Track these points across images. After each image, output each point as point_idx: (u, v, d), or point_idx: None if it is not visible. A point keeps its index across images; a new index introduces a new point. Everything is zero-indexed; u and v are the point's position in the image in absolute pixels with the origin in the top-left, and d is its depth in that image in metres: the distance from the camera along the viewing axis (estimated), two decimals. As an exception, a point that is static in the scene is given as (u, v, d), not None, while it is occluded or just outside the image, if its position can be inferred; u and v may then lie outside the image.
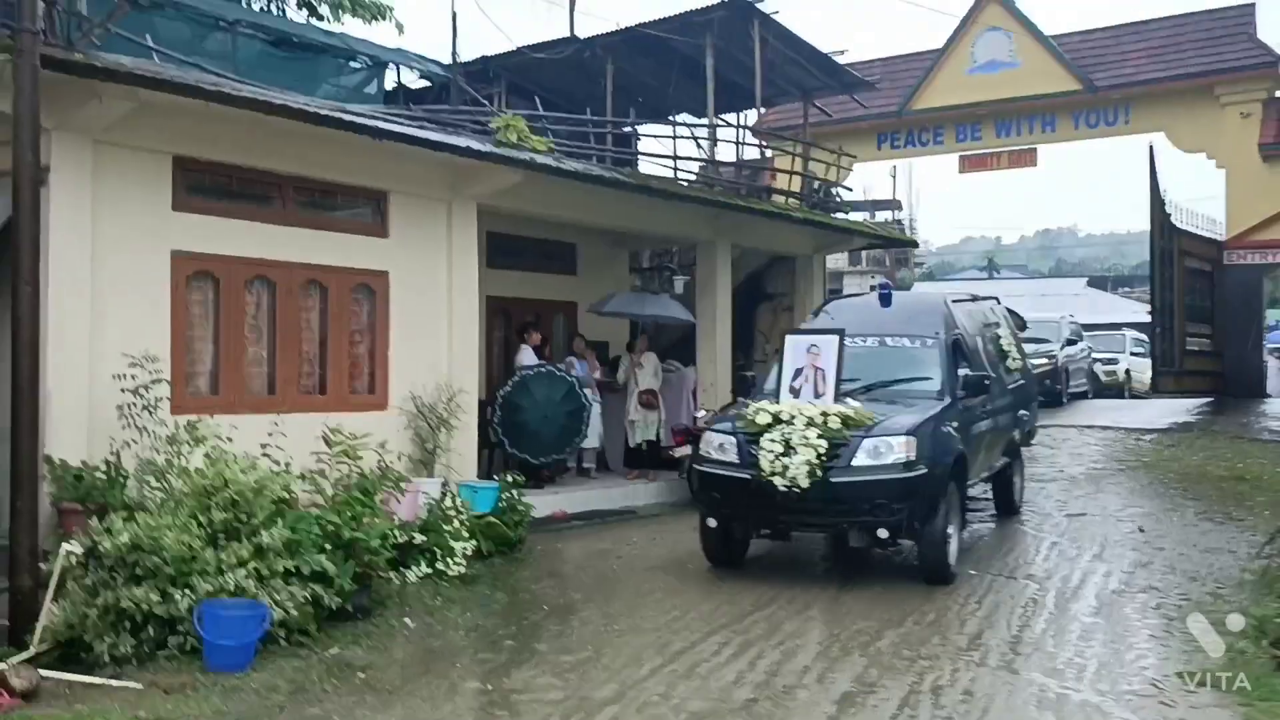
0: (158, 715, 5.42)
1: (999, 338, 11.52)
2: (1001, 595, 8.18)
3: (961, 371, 9.56)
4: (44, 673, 5.94)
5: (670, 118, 17.84)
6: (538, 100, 14.54)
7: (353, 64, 14.71)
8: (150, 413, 7.83)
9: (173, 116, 8.18)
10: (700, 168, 15.73)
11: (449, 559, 8.55)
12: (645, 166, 15.25)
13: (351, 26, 16.75)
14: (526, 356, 12.35)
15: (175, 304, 8.60)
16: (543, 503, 10.98)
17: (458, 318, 10.85)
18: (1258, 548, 8.94)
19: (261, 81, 10.39)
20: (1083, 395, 23.71)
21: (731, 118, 17.97)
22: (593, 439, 12.91)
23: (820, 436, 8.15)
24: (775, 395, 8.87)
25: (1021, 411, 11.54)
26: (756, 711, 5.63)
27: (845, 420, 8.30)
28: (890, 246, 25.32)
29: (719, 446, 8.81)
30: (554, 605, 8.03)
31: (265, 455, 7.80)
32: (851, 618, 7.48)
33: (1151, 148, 20.10)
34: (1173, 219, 20.51)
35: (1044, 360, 21.13)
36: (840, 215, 17.94)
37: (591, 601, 8.18)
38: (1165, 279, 20.26)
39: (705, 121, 15.64)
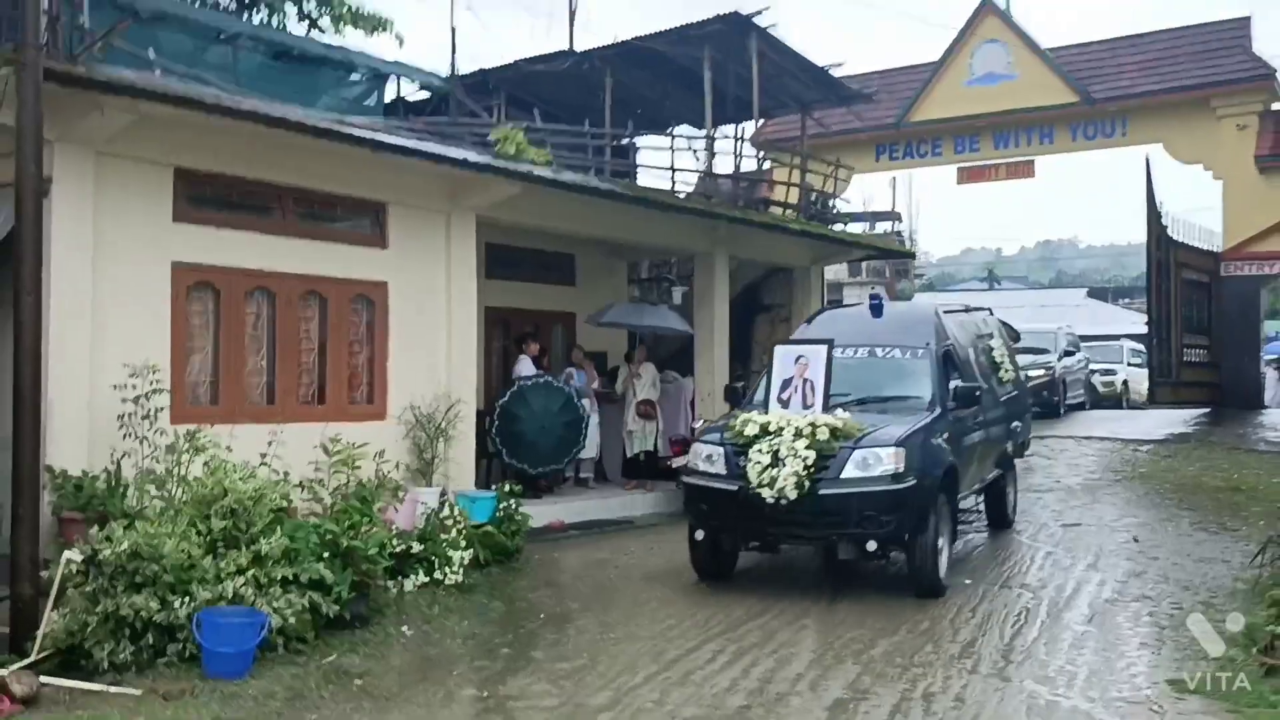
0: (156, 721, 5.48)
1: (991, 349, 11.46)
2: (995, 604, 8.23)
3: (952, 383, 9.50)
4: (44, 679, 5.99)
5: (668, 130, 17.95)
6: (536, 112, 14.64)
7: (353, 76, 14.85)
8: (150, 422, 7.88)
9: (174, 129, 8.26)
10: (698, 179, 15.83)
11: (446, 568, 8.61)
12: (644, 178, 15.39)
13: (352, 39, 16.90)
14: (524, 367, 12.42)
15: (175, 314, 8.65)
16: (540, 513, 11.04)
17: (456, 328, 10.92)
18: (1250, 557, 8.98)
19: (262, 93, 10.51)
20: (1080, 406, 23.78)
21: (730, 130, 18.08)
22: (590, 449, 12.98)
23: (809, 448, 8.09)
24: (764, 406, 8.81)
25: (1014, 423, 11.47)
26: (749, 718, 5.69)
27: (834, 431, 8.23)
28: (887, 257, 25.42)
29: (707, 457, 8.76)
30: (550, 614, 8.08)
31: (264, 464, 7.86)
32: (845, 626, 7.54)
33: (1148, 160, 20.24)
34: (1169, 230, 20.61)
35: (1041, 371, 21.23)
36: (839, 227, 18.03)
37: (588, 610, 8.23)
38: (1162, 290, 20.37)
39: (703, 134, 15.75)
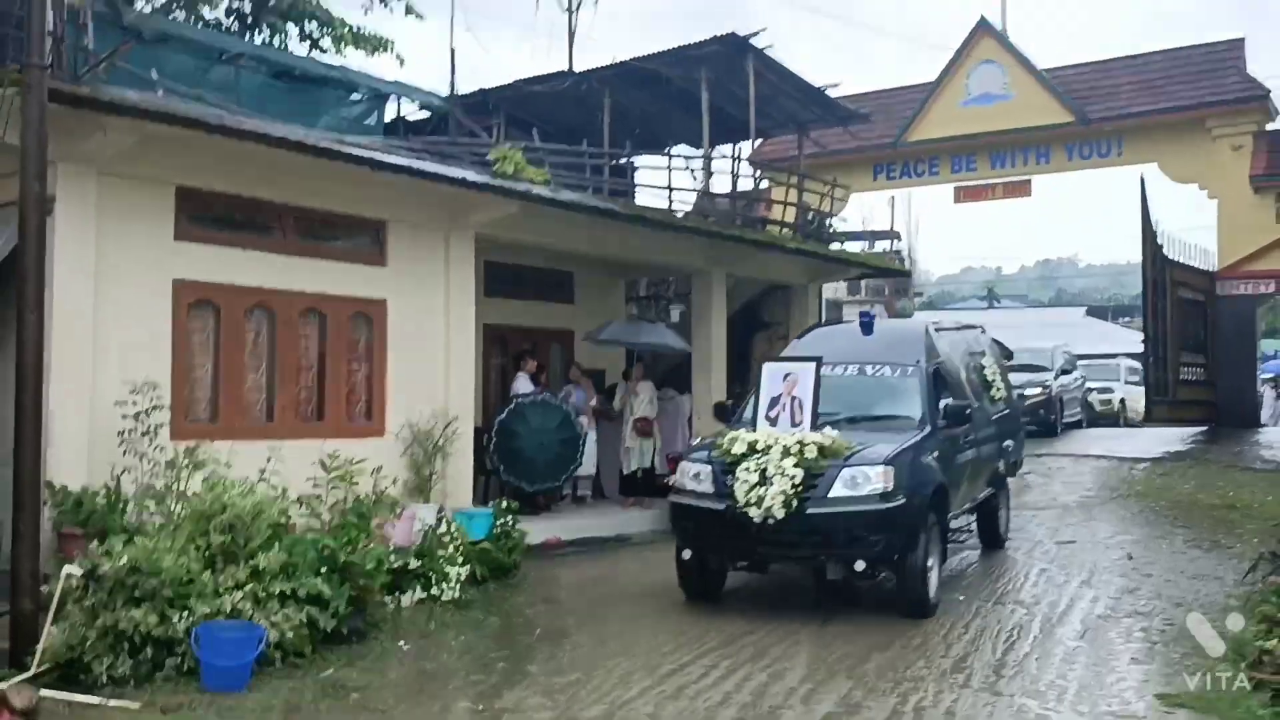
0: (155, 733, 5.54)
1: (983, 367, 11.37)
2: (989, 620, 8.28)
3: (943, 401, 9.41)
4: (44, 692, 6.04)
5: (666, 149, 18.10)
6: (535, 132, 14.78)
7: (353, 96, 15.02)
8: (150, 439, 7.97)
9: (176, 148, 8.37)
10: (696, 198, 15.95)
11: (444, 584, 8.67)
12: (642, 197, 15.50)
13: (353, 59, 17.08)
14: (522, 384, 12.50)
15: (176, 332, 8.75)
16: (538, 529, 11.09)
17: (454, 346, 11.01)
18: (1243, 574, 9.04)
19: (264, 113, 10.64)
20: (1077, 424, 23.83)
21: (727, 149, 18.24)
22: (588, 466, 13.04)
23: (796, 466, 7.98)
24: (752, 424, 8.70)
25: (1006, 442, 11.35)
26: (742, 731, 5.75)
27: (822, 449, 8.12)
28: (883, 276, 25.53)
29: (694, 476, 8.65)
30: (546, 629, 8.13)
31: (263, 480, 7.92)
32: (838, 642, 7.58)
33: (1143, 179, 20.38)
34: (1165, 249, 20.72)
35: (1038, 390, 21.32)
36: (836, 245, 18.15)
37: (584, 626, 8.29)
38: (1158, 309, 20.46)
39: (701, 153, 15.88)
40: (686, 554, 8.72)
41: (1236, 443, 19.83)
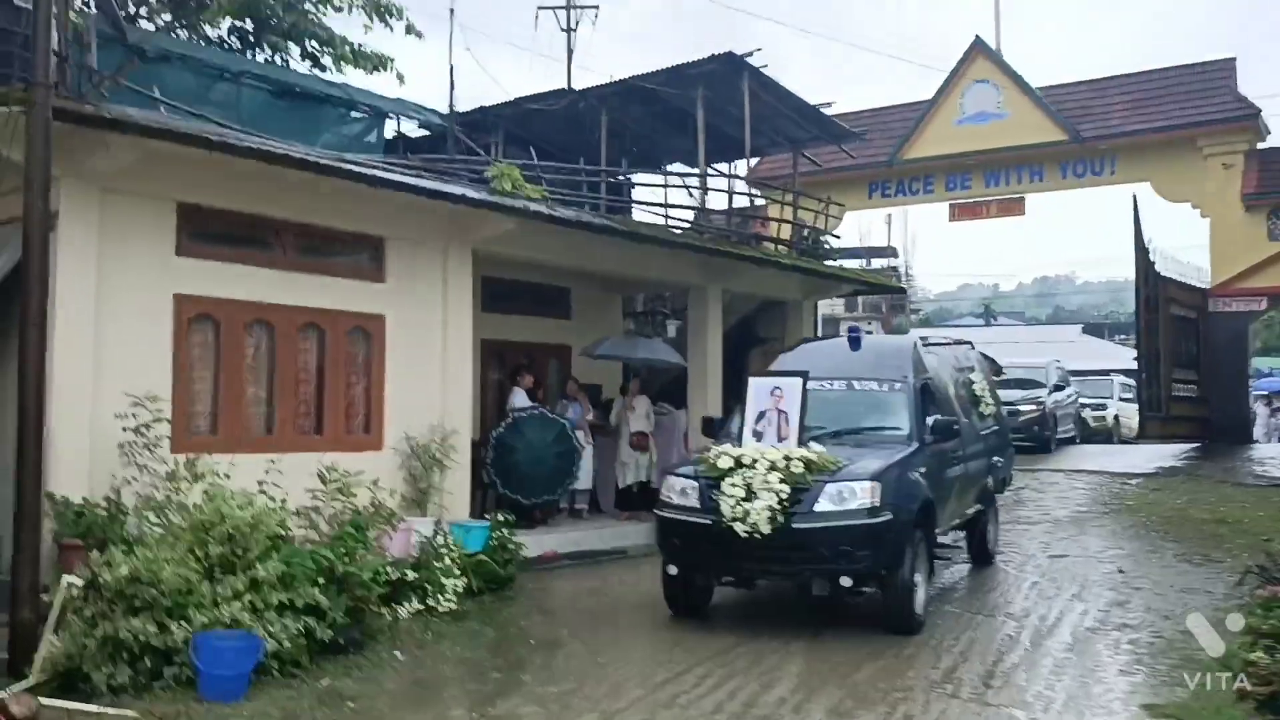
0: (153, 742, 5.61)
1: (972, 383, 11.36)
2: (979, 632, 8.37)
3: (930, 416, 9.35)
4: (44, 701, 6.11)
5: (663, 167, 18.26)
6: (533, 150, 14.92)
7: (354, 114, 15.15)
8: (151, 451, 8.08)
9: (178, 165, 8.48)
10: (693, 215, 16.09)
11: (440, 595, 8.75)
12: (638, 214, 15.65)
13: (353, 77, 17.23)
14: (519, 399, 12.60)
15: (177, 346, 8.86)
16: (534, 542, 11.17)
17: (452, 360, 11.11)
18: (1231, 588, 9.13)
19: (265, 130, 10.75)
20: (1071, 441, 23.93)
21: (723, 167, 18.40)
22: (584, 480, 13.13)
23: (782, 481, 7.93)
24: (739, 439, 8.66)
25: (995, 458, 11.32)
26: (733, 740, 5.83)
27: (808, 464, 8.08)
28: (877, 292, 25.70)
29: (680, 490, 8.58)
30: (541, 640, 8.21)
31: (262, 492, 7.99)
32: (830, 653, 7.67)
33: (1135, 197, 20.57)
34: (1158, 266, 20.88)
35: (1032, 406, 21.44)
36: (831, 262, 18.29)
37: (578, 637, 8.36)
38: (1151, 326, 20.61)
39: (697, 171, 16.04)
40: (672, 569, 8.67)
41: (1229, 459, 19.93)
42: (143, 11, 16.81)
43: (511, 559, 9.99)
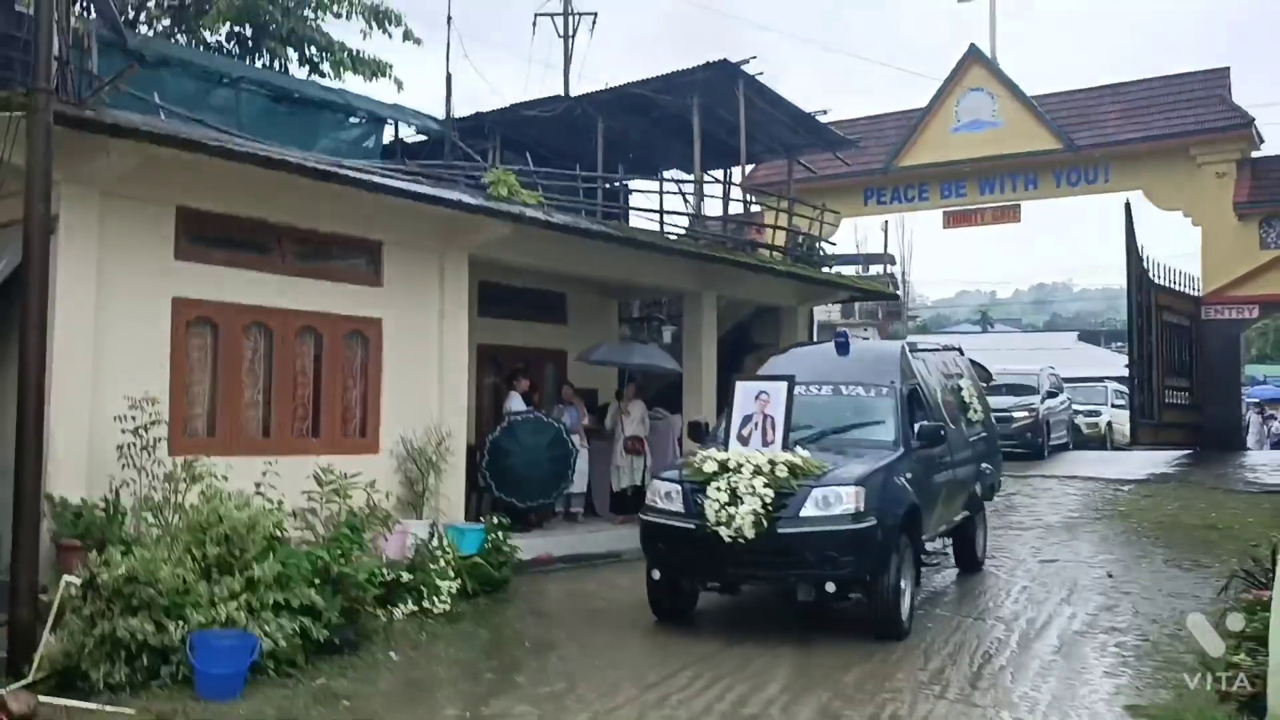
0: (150, 739, 5.69)
1: (960, 389, 11.33)
2: (968, 635, 8.45)
3: (917, 422, 9.32)
4: (42, 698, 6.18)
5: (659, 173, 18.37)
6: (529, 156, 15.03)
7: (352, 119, 15.27)
8: (149, 453, 8.16)
9: (177, 170, 8.57)
10: (689, 222, 16.21)
11: (435, 597, 8.81)
12: (634, 220, 15.76)
13: (352, 83, 17.32)
14: (515, 403, 12.69)
15: (175, 349, 8.95)
16: (529, 545, 11.23)
17: (448, 364, 11.20)
18: (1217, 593, 9.21)
19: (264, 136, 10.87)
20: (1064, 447, 24.00)
21: (719, 173, 18.51)
22: (579, 484, 13.22)
23: (767, 485, 7.87)
24: (725, 443, 8.60)
25: (983, 465, 11.26)
26: (722, 739, 5.91)
27: (793, 469, 8.02)
28: (871, 299, 25.81)
29: (665, 495, 8.51)
30: (535, 641, 8.29)
31: (259, 494, 8.09)
32: (819, 655, 7.75)
33: (1128, 205, 20.67)
34: (1150, 274, 21.01)
35: (1025, 413, 21.54)
36: (827, 269, 18.41)
37: (572, 639, 8.44)
38: (1143, 333, 20.72)
39: (692, 177, 16.14)
40: (656, 574, 8.61)
41: (1220, 465, 20.03)
42: (142, 16, 16.91)
43: (506, 562, 10.06)
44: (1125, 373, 24.70)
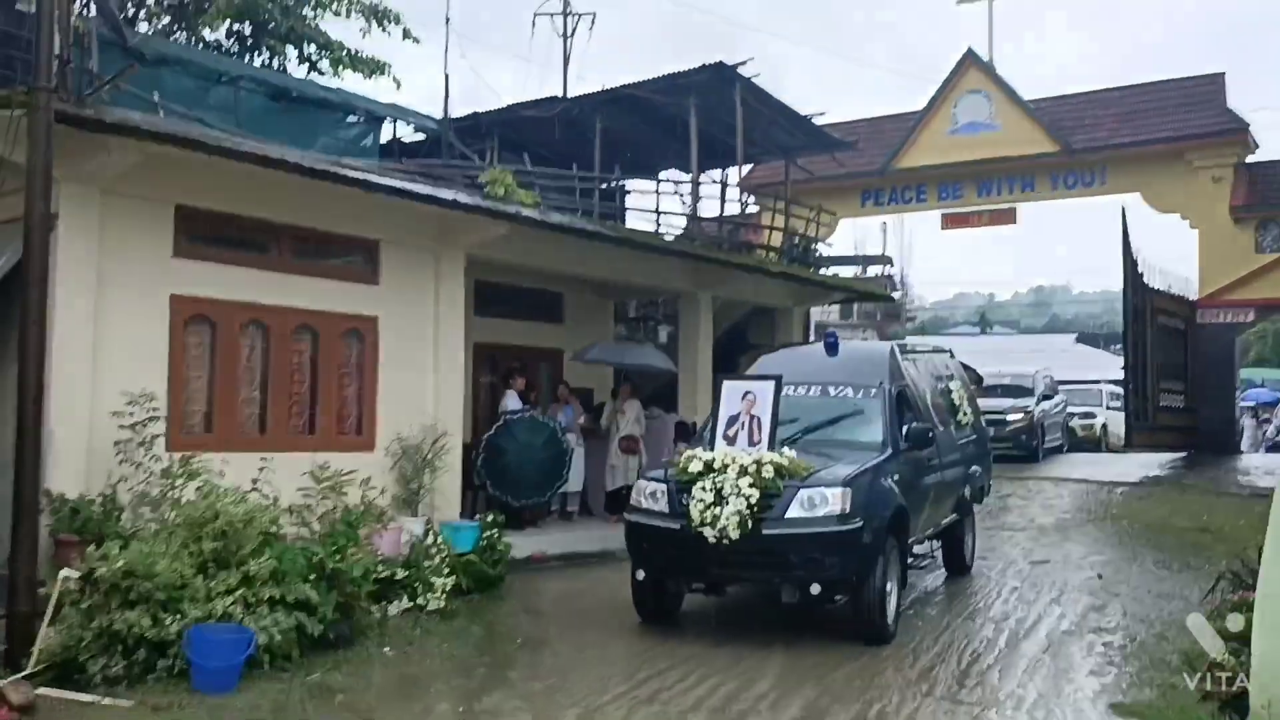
0: (146, 730, 5.76)
1: (950, 391, 11.27)
2: (957, 634, 8.53)
3: (906, 424, 9.25)
4: (40, 690, 6.27)
5: (656, 174, 18.45)
6: (526, 156, 15.09)
7: (350, 118, 15.30)
8: (146, 449, 8.24)
9: (176, 168, 8.64)
10: (685, 222, 16.29)
11: (429, 594, 8.88)
12: (631, 220, 15.84)
13: (350, 82, 17.38)
14: (511, 401, 12.76)
15: (173, 346, 9.01)
16: (524, 543, 11.32)
17: (444, 363, 11.27)
18: (1205, 593, 9.29)
19: (262, 134, 10.92)
20: (1059, 449, 24.08)
21: (716, 174, 18.60)
22: (574, 483, 13.30)
23: (753, 486, 7.80)
24: (710, 442, 8.54)
25: (973, 467, 11.18)
26: (711, 734, 5.99)
27: (779, 470, 7.95)
28: (867, 300, 25.84)
29: (650, 494, 8.44)
30: (528, 638, 8.37)
31: (255, 490, 8.17)
32: (809, 653, 7.82)
33: (1124, 209, 20.80)
34: (1146, 278, 21.10)
35: (1020, 415, 21.61)
36: (823, 270, 18.49)
37: (565, 635, 8.53)
38: (1139, 336, 20.80)
39: (689, 178, 16.22)
40: (641, 574, 8.53)
41: (1214, 468, 20.13)
42: (142, 14, 16.96)
43: (501, 559, 10.13)
44: (1121, 375, 24.81)
